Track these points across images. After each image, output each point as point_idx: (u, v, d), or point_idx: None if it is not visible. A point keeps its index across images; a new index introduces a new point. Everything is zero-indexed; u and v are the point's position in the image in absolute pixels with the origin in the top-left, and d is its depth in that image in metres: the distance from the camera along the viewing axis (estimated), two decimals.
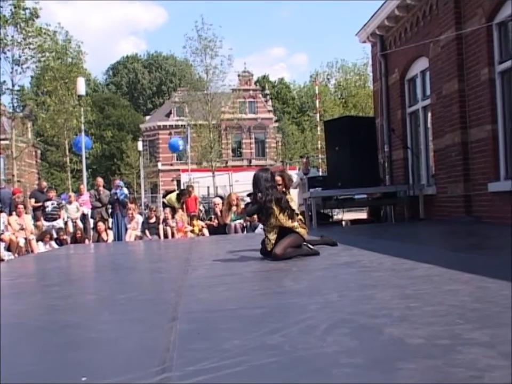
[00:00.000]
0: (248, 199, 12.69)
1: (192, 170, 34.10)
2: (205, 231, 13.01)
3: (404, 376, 1.82)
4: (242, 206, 13.37)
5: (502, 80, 9.26)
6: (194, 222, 13.29)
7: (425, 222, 11.04)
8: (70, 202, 14.60)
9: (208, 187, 29.32)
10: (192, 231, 13.01)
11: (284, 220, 5.76)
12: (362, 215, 17.02)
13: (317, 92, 38.44)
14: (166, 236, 12.62)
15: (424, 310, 2.84)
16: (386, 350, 2.16)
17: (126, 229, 13.57)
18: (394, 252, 5.59)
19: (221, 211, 12.97)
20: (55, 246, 12.44)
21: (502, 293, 3.14)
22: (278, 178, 6.07)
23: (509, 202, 8.76)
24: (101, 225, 13.28)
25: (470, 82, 9.85)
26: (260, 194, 5.70)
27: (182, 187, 24.16)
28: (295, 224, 5.82)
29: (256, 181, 5.81)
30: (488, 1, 9.23)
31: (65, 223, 13.81)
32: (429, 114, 11.92)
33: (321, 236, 6.94)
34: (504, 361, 1.89)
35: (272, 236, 5.76)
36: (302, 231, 5.82)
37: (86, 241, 13.16)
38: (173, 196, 14.01)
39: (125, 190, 15.64)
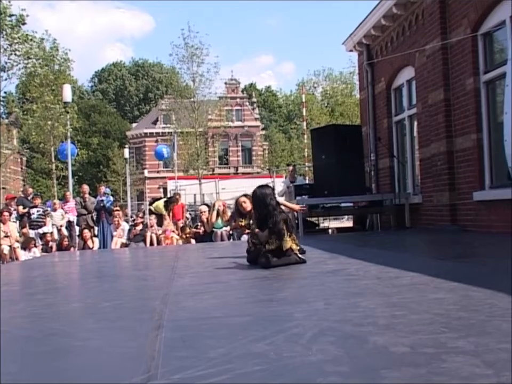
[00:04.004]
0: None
1: (179, 177, 34.00)
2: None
3: None
4: (229, 213, 13.38)
5: (487, 90, 9.34)
6: (187, 230, 13.30)
7: (411, 230, 11.08)
8: (54, 210, 14.52)
9: (194, 195, 29.25)
10: (184, 237, 12.99)
11: (287, 240, 5.72)
12: (348, 223, 17.07)
13: (303, 100, 38.51)
14: (152, 243, 12.58)
15: (409, 318, 2.85)
16: (371, 359, 2.16)
17: (112, 237, 13.52)
18: (380, 260, 5.61)
19: (207, 219, 12.95)
20: (38, 254, 12.34)
21: (487, 301, 3.16)
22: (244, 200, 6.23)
23: (493, 211, 8.82)
24: (86, 233, 13.22)
25: (456, 92, 9.93)
26: (273, 218, 5.67)
27: (168, 194, 24.09)
28: (292, 243, 5.78)
29: (262, 199, 5.74)
30: (473, 12, 9.32)
31: (51, 233, 13.73)
32: (415, 123, 11.99)
33: None
34: (488, 370, 1.90)
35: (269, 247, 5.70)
36: (294, 247, 5.80)
37: (72, 248, 13.09)
38: (160, 203, 13.97)
39: (111, 198, 15.60)
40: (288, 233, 5.74)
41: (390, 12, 12.17)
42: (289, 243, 5.70)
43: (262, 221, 5.74)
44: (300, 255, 5.88)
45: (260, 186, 6.00)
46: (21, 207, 14.15)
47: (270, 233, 5.64)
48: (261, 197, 5.76)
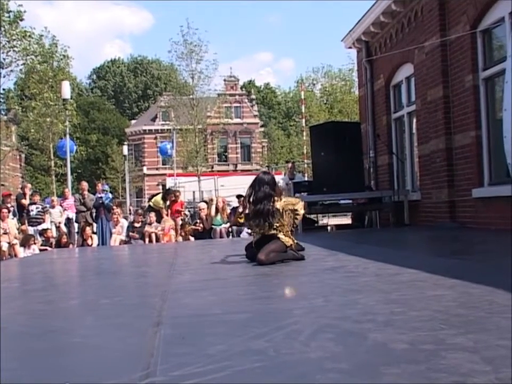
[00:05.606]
0: (235, 203, 12.72)
1: (178, 174, 34.08)
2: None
3: (388, 381, 1.82)
4: (228, 210, 13.40)
5: (486, 87, 9.34)
6: (186, 227, 13.30)
7: (410, 227, 11.08)
8: (53, 207, 14.51)
9: (193, 192, 29.25)
10: (183, 234, 12.98)
11: (266, 228, 5.76)
12: (347, 220, 17.07)
13: (302, 97, 38.53)
14: (150, 240, 12.57)
15: (409, 315, 2.85)
16: (371, 355, 2.16)
17: (111, 234, 13.51)
18: (380, 257, 5.61)
19: (206, 216, 12.95)
20: (37, 251, 12.32)
21: (486, 298, 3.16)
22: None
23: (492, 208, 8.82)
24: (88, 230, 13.19)
25: (455, 89, 9.92)
26: (258, 205, 5.73)
27: None
28: (278, 233, 5.78)
29: (257, 182, 5.88)
30: (473, 9, 9.31)
31: (50, 229, 13.72)
32: (414, 120, 11.99)
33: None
34: (486, 367, 1.90)
35: (258, 230, 5.79)
36: (286, 239, 5.77)
37: (70, 245, 13.08)
38: (158, 198, 13.99)
39: (109, 195, 15.61)
40: (270, 224, 5.77)
41: (389, 8, 12.16)
42: (270, 231, 5.74)
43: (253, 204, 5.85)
44: (298, 252, 5.89)
45: (264, 172, 6.24)
46: (22, 200, 14.15)
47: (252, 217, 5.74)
48: (257, 180, 5.90)
